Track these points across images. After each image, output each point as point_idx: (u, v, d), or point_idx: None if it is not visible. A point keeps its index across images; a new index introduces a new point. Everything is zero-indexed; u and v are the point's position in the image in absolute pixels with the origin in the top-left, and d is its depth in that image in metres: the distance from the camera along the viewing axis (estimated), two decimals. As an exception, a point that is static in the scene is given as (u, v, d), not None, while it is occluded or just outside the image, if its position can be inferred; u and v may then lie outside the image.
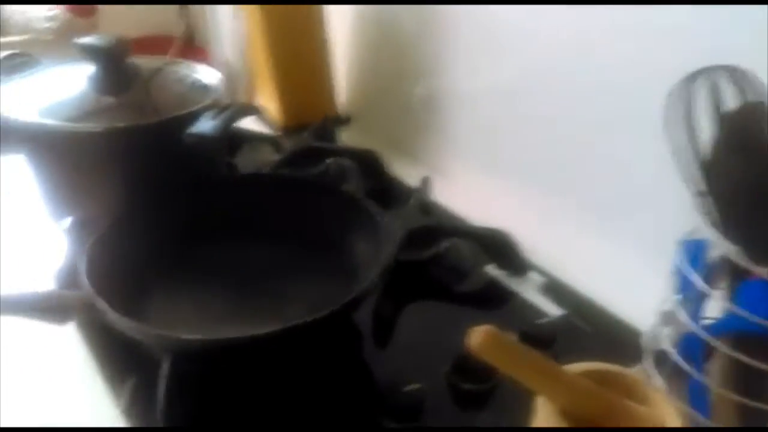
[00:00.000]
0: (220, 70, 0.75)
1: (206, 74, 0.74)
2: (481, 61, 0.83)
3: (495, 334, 0.38)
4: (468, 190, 0.82)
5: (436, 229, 0.70)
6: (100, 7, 1.24)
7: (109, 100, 0.68)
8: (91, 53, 0.66)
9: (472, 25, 0.82)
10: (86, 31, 1.20)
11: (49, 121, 0.63)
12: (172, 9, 1.31)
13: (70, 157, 0.66)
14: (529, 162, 0.78)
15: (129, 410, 0.52)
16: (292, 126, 0.98)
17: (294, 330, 0.48)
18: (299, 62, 0.99)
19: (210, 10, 1.21)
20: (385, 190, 0.82)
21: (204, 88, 0.72)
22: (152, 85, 0.70)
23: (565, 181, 0.74)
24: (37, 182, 0.70)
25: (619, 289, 0.63)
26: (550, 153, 0.76)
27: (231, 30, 1.14)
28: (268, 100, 1.03)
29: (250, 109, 0.71)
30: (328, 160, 0.83)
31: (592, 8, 0.66)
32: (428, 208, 0.76)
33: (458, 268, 0.68)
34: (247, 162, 0.84)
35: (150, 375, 0.52)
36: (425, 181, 0.78)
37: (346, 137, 0.97)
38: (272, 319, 0.56)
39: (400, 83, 0.97)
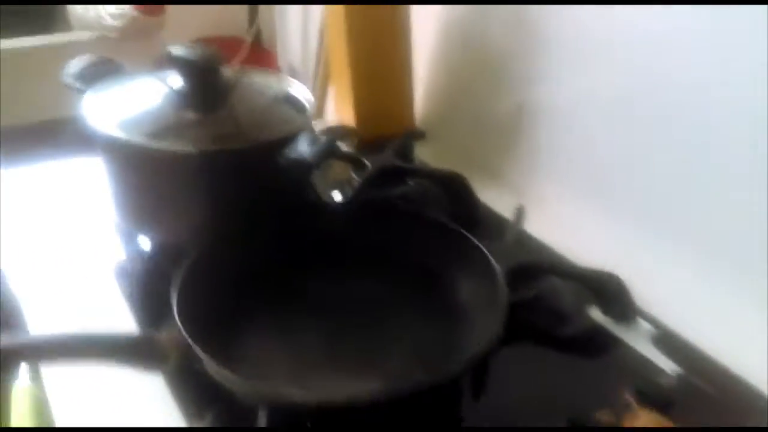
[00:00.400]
0: (289, 75, 0.71)
1: (288, 87, 0.70)
2: (583, 73, 0.77)
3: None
4: (562, 221, 0.76)
5: (535, 266, 0.65)
6: (167, 6, 1.21)
7: (190, 115, 0.65)
8: (183, 67, 0.62)
9: (573, 32, 0.76)
10: (152, 31, 1.18)
11: (139, 139, 0.59)
12: (239, 10, 1.28)
13: (150, 175, 0.62)
14: (637, 192, 0.72)
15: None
16: (367, 138, 0.93)
17: (406, 392, 0.44)
18: (379, 71, 0.94)
19: (279, 13, 1.17)
20: (471, 217, 0.77)
21: (287, 103, 0.68)
22: (233, 99, 0.66)
23: (682, 219, 0.68)
24: (111, 193, 0.66)
25: (742, 347, 0.57)
26: (663, 184, 0.69)
27: (301, 33, 1.11)
28: (341, 108, 0.98)
29: (346, 132, 0.67)
30: (411, 182, 0.79)
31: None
32: (523, 241, 0.71)
33: (558, 311, 0.63)
34: (322, 179, 0.79)
35: (229, 408, 0.49)
36: (519, 212, 0.72)
37: (421, 154, 0.92)
38: (373, 368, 0.53)
39: (485, 96, 0.91)
